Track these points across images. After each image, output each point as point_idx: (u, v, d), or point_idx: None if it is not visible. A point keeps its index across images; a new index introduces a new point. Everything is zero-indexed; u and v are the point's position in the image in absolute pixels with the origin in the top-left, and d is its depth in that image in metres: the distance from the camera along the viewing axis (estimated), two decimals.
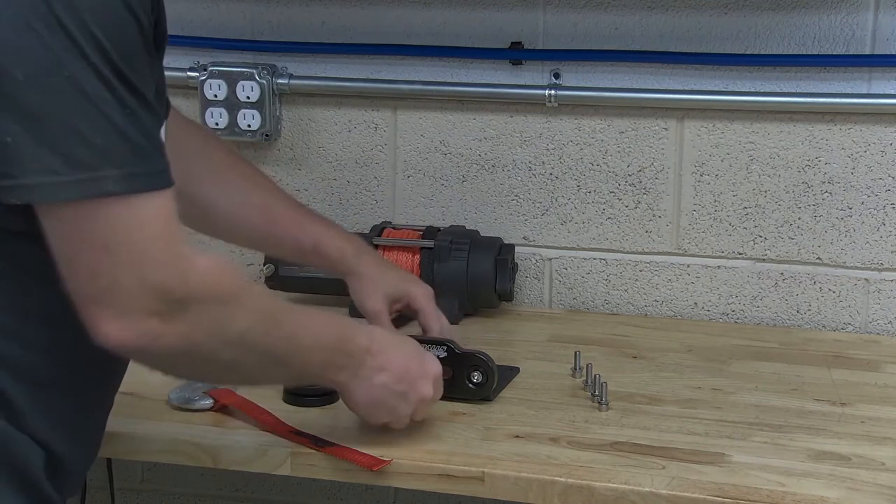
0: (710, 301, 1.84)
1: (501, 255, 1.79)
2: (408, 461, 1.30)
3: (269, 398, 1.42)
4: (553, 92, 1.81)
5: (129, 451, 1.39)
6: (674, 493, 1.23)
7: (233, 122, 1.91)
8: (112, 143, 1.00)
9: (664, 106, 1.81)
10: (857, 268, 1.78)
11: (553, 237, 1.88)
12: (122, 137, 1.01)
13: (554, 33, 1.82)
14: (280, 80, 1.90)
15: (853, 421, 1.42)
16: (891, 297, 1.77)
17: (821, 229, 1.78)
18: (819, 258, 1.79)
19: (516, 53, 1.84)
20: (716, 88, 1.78)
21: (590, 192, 1.86)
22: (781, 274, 1.81)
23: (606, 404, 1.45)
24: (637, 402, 1.47)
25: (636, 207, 1.84)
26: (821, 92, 1.75)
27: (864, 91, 1.74)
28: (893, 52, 1.71)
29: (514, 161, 1.87)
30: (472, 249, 1.78)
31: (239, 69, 1.90)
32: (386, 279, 1.57)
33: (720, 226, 1.82)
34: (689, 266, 1.84)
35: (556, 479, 1.26)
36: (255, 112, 1.90)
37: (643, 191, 1.84)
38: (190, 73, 1.92)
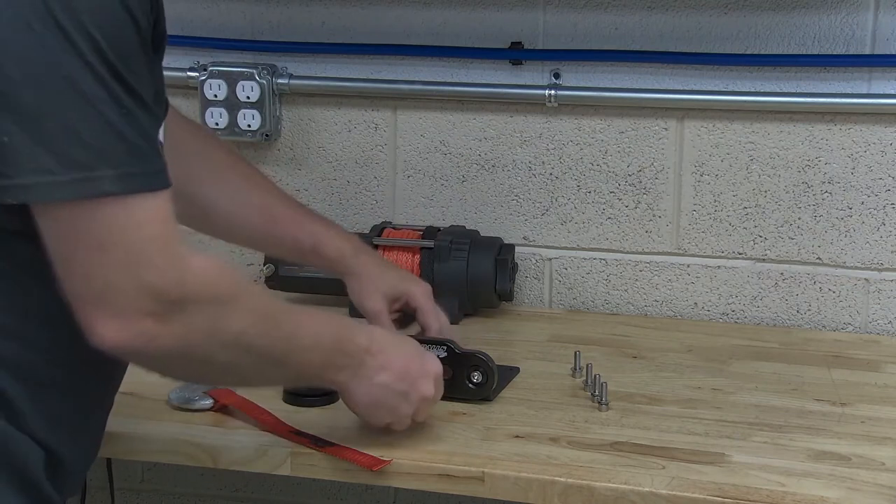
0: (710, 301, 1.84)
1: (501, 255, 1.79)
2: (408, 461, 1.29)
3: (269, 398, 1.42)
4: (553, 92, 1.81)
5: (128, 451, 1.39)
6: (674, 493, 1.23)
7: (233, 122, 1.91)
8: (108, 143, 1.00)
9: (664, 106, 1.80)
10: (857, 268, 1.78)
11: (553, 237, 1.88)
12: (118, 137, 1.01)
13: (554, 33, 1.82)
14: (280, 80, 1.90)
15: (853, 421, 1.42)
16: (891, 297, 1.77)
17: (821, 229, 1.78)
18: (819, 258, 1.79)
19: (516, 53, 1.84)
20: (716, 88, 1.78)
21: (590, 192, 1.85)
22: (781, 274, 1.81)
23: (606, 404, 1.44)
24: (637, 402, 1.47)
25: (636, 207, 1.84)
26: (821, 92, 1.74)
27: (864, 91, 1.74)
28: (893, 52, 1.71)
29: (514, 161, 1.87)
30: (472, 249, 1.77)
31: (239, 69, 1.90)
32: (385, 279, 1.57)
33: (720, 226, 1.82)
34: (689, 266, 1.84)
35: (556, 479, 1.26)
36: (255, 112, 1.90)
37: (643, 191, 1.83)
38: (190, 73, 1.92)
